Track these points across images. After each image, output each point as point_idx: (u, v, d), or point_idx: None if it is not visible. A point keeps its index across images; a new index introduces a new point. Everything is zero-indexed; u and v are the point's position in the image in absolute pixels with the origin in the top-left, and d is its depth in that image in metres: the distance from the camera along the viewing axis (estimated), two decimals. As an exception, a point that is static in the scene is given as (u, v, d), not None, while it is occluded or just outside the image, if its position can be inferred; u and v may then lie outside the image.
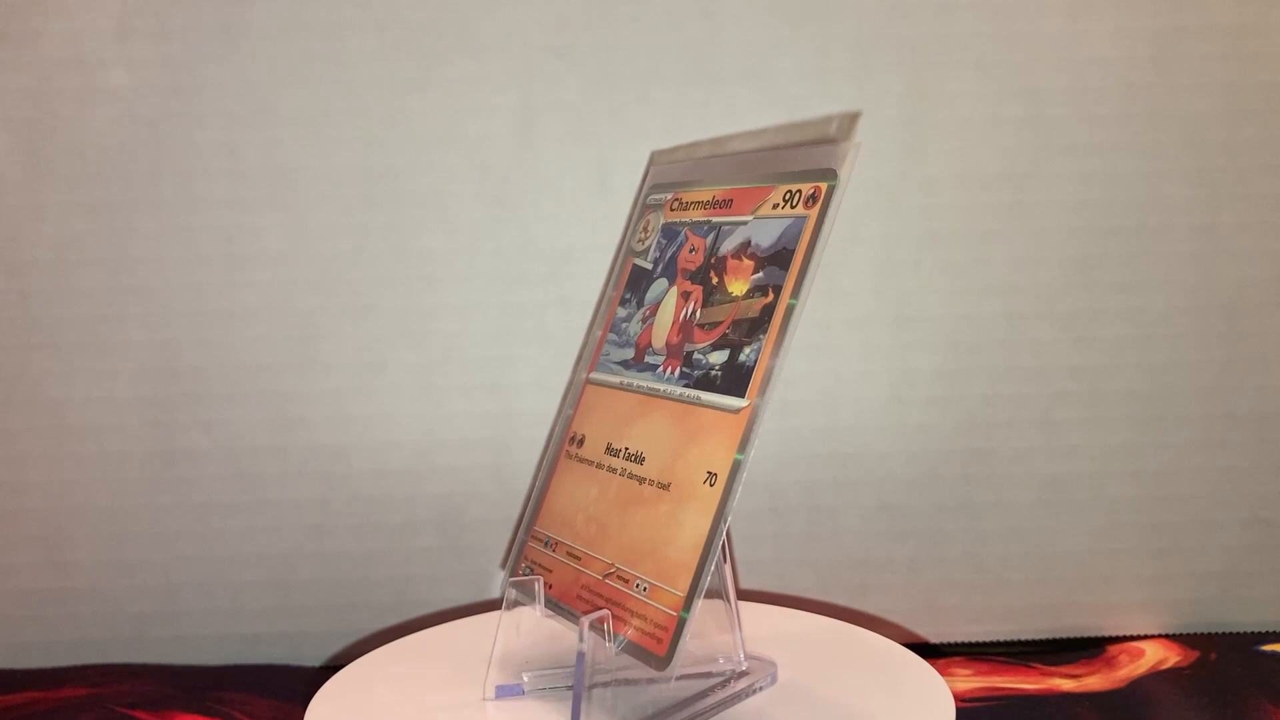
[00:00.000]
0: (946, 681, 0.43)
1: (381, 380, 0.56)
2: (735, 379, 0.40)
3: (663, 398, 0.43)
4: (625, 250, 0.48)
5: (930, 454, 0.57)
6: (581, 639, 0.40)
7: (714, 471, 0.39)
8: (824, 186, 0.41)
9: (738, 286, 0.42)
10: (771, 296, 0.41)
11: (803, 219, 0.41)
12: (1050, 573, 0.57)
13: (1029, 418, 0.57)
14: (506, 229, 0.55)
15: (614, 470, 0.43)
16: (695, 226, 0.46)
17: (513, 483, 0.57)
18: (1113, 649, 0.56)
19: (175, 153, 0.55)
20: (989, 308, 0.56)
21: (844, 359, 0.56)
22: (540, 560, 0.44)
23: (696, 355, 0.43)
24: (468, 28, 0.55)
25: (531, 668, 0.44)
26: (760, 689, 0.44)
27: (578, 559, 0.43)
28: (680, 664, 0.37)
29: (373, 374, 0.56)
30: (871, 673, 0.45)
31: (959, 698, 0.51)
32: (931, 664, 0.45)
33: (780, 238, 0.41)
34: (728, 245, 0.43)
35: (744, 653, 0.44)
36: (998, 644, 0.58)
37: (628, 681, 0.42)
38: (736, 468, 0.39)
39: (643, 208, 0.48)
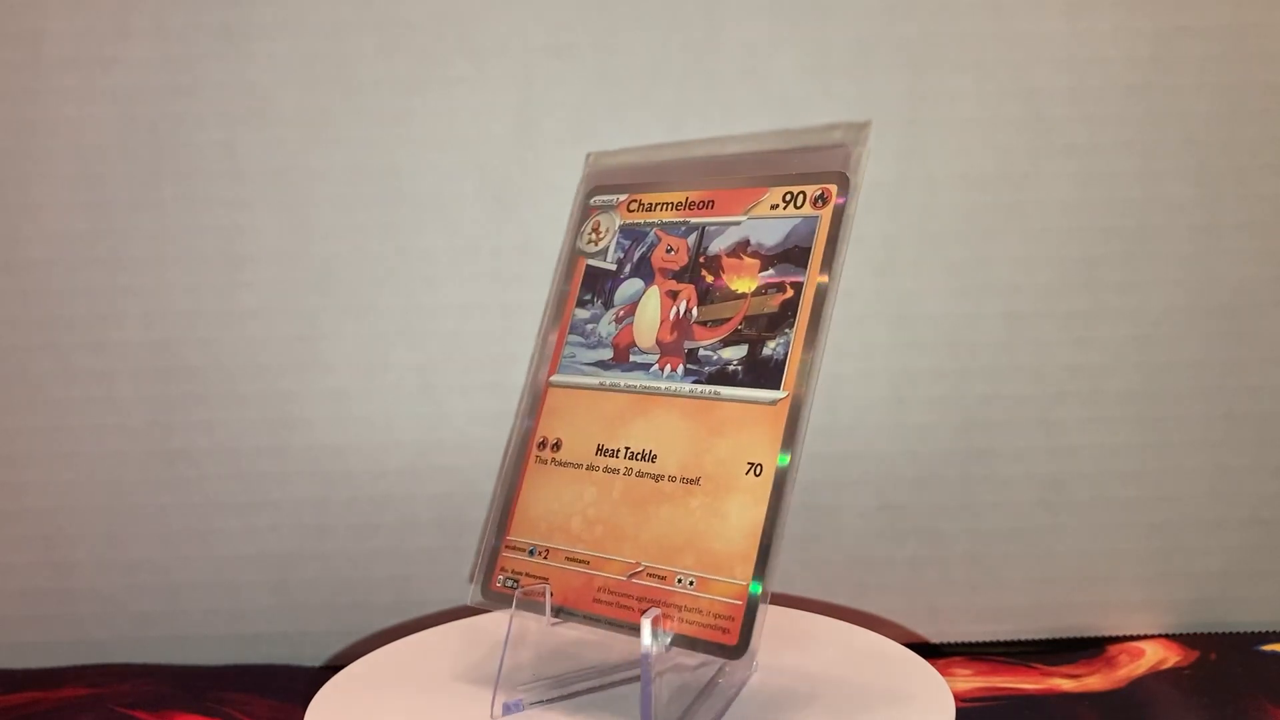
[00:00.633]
0: (946, 681, 0.43)
1: (381, 380, 0.56)
2: (763, 372, 0.42)
3: (666, 395, 0.44)
4: (572, 252, 0.48)
5: (930, 454, 0.57)
6: (645, 638, 0.39)
7: (757, 462, 0.40)
8: (833, 189, 0.43)
9: (743, 284, 0.43)
10: (791, 292, 0.42)
11: (813, 219, 0.43)
12: (1050, 573, 0.57)
13: (1029, 418, 0.57)
14: (506, 229, 0.55)
15: (614, 471, 0.43)
16: (669, 227, 0.46)
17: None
18: (1113, 649, 0.56)
19: (175, 153, 0.55)
20: (989, 308, 0.56)
21: (844, 359, 0.56)
22: (526, 570, 0.43)
23: (704, 352, 0.43)
24: (468, 28, 0.55)
25: (541, 679, 0.43)
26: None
27: (584, 563, 0.42)
28: (755, 652, 0.38)
29: (373, 374, 0.56)
30: (871, 673, 0.44)
31: (959, 698, 0.51)
32: (931, 664, 0.45)
33: (789, 236, 0.43)
34: (720, 244, 0.44)
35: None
36: (998, 644, 0.58)
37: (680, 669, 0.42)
38: (788, 458, 0.40)
39: (585, 209, 0.48)
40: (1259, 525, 0.57)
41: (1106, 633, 0.58)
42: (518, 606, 0.42)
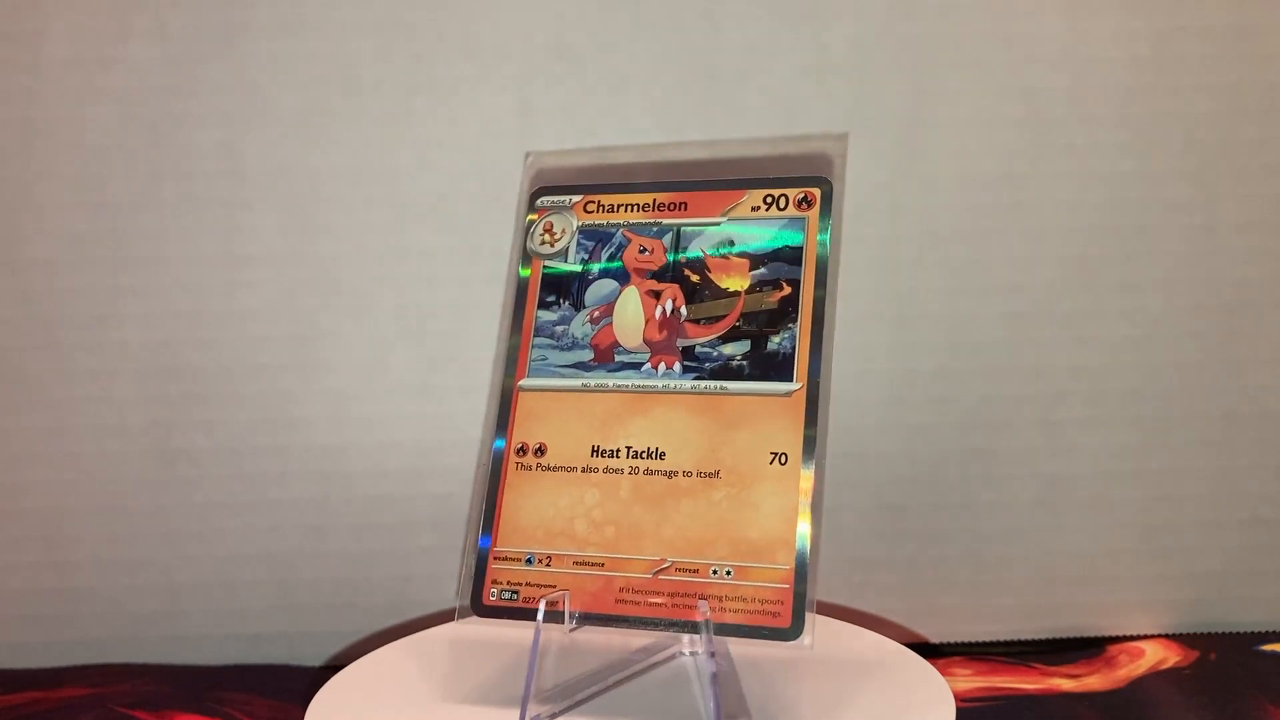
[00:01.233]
0: (946, 681, 0.43)
1: (381, 380, 0.56)
2: (772, 366, 0.43)
3: (666, 393, 0.44)
4: (526, 254, 0.48)
5: (930, 454, 0.57)
6: (704, 629, 0.40)
7: (781, 452, 0.42)
8: (817, 192, 0.45)
9: (735, 282, 0.45)
10: (789, 289, 0.44)
11: (800, 220, 0.45)
12: (1050, 573, 0.57)
13: (1029, 418, 0.57)
14: (506, 229, 0.55)
15: (617, 471, 0.43)
16: (639, 228, 0.46)
17: (513, 483, 0.57)
18: (1113, 649, 0.56)
19: (175, 153, 0.55)
20: (989, 308, 0.56)
21: (844, 359, 0.56)
22: (526, 579, 0.43)
23: (701, 349, 0.44)
24: (468, 28, 0.55)
25: (555, 687, 0.43)
26: (683, 655, 0.45)
27: (599, 565, 0.42)
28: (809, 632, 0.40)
29: (373, 374, 0.56)
30: (871, 673, 0.44)
31: (959, 698, 0.51)
32: (931, 664, 0.45)
33: (778, 236, 0.44)
34: (701, 244, 0.45)
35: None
36: (998, 644, 0.58)
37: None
38: (810, 443, 0.42)
39: (532, 209, 0.48)
40: (1259, 525, 0.57)
41: (1106, 633, 0.58)
42: (543, 618, 0.42)
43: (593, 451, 0.44)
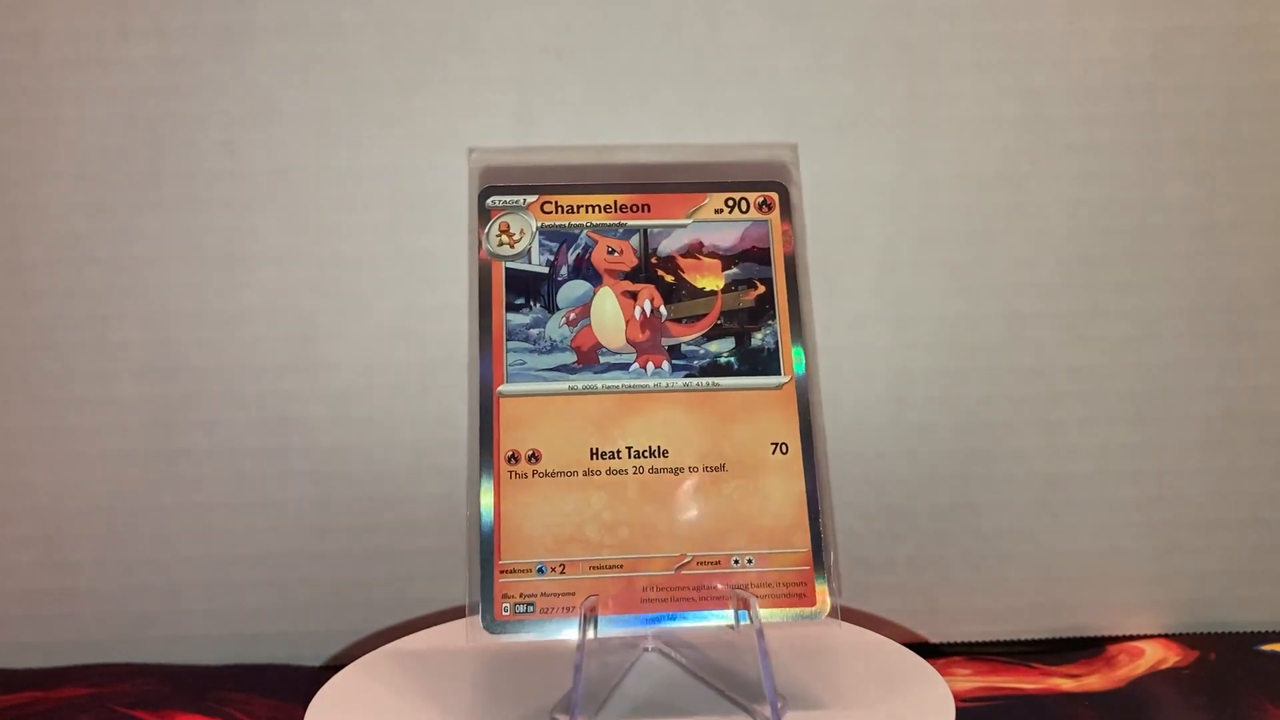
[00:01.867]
0: (946, 681, 0.43)
1: (381, 380, 0.56)
2: (760, 360, 0.45)
3: (659, 391, 0.44)
4: (485, 255, 0.46)
5: (930, 454, 0.57)
6: (754, 617, 0.41)
7: (781, 441, 0.44)
8: (775, 196, 0.47)
9: (710, 281, 0.46)
10: (762, 288, 0.46)
11: (764, 223, 0.47)
12: (1050, 573, 0.57)
13: (1029, 418, 0.57)
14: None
15: (620, 471, 0.43)
16: (603, 229, 0.46)
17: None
18: (1112, 649, 0.57)
19: (175, 153, 0.55)
20: (989, 308, 0.56)
21: (844, 359, 0.56)
22: (541, 589, 0.42)
23: (687, 347, 0.45)
24: (468, 28, 0.55)
25: (588, 696, 0.42)
26: (647, 650, 0.46)
27: (617, 567, 0.42)
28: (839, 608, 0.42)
29: (373, 374, 0.56)
30: (871, 673, 0.44)
31: (959, 698, 0.51)
32: (931, 664, 0.45)
33: (744, 237, 0.46)
34: (670, 245, 0.46)
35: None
36: (998, 644, 0.58)
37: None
38: (808, 432, 0.44)
39: (485, 209, 0.47)
40: (1259, 525, 0.57)
41: (1106, 632, 0.58)
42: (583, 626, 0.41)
43: (592, 454, 0.43)
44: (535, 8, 0.54)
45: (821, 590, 0.42)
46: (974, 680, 0.53)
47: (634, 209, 0.47)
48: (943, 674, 0.44)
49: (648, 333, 0.45)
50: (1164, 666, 0.54)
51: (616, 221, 0.47)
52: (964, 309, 0.56)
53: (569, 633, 0.41)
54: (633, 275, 0.46)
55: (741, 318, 0.45)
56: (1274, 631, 0.58)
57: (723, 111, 0.55)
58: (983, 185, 0.55)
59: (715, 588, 0.42)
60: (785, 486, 0.43)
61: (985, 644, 0.58)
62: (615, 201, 0.47)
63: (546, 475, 0.43)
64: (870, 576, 0.57)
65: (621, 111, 0.55)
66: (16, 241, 0.55)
